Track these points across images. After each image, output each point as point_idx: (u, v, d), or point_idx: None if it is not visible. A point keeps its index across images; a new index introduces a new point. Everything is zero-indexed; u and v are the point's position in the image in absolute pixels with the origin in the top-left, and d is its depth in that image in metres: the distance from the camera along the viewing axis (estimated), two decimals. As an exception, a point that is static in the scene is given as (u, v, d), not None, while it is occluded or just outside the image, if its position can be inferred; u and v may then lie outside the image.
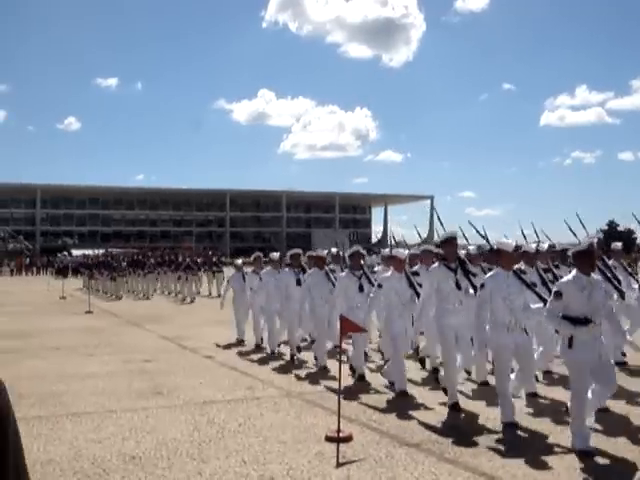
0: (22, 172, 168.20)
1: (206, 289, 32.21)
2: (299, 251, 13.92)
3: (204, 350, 13.98)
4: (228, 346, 14.67)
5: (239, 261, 16.88)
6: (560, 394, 9.07)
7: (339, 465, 6.54)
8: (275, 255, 14.36)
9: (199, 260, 33.83)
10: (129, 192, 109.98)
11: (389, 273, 10.24)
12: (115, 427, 7.99)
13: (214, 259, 35.80)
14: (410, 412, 8.67)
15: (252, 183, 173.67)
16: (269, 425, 8.05)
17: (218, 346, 14.60)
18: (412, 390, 9.81)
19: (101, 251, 46.77)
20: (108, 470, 6.49)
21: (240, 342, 15.05)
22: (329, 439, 7.28)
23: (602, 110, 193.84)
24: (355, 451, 6.98)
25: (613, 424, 7.86)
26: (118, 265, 34.12)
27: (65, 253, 68.03)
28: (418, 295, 9.76)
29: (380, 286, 10.06)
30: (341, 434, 7.22)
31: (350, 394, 9.55)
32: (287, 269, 13.48)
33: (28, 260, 75.22)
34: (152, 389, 10.20)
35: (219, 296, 28.83)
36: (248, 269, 16.02)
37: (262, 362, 12.56)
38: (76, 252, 65.87)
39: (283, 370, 11.75)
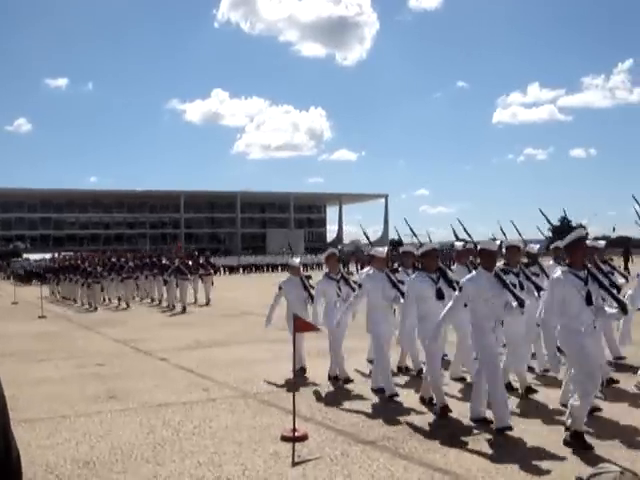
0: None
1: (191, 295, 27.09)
2: (435, 246, 9.22)
3: (159, 352, 13.88)
4: (183, 348, 14.58)
5: (297, 260, 12.44)
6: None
7: (295, 464, 6.56)
8: (382, 251, 9.97)
9: (190, 262, 27.28)
10: (82, 195, 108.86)
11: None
12: (69, 432, 7.91)
13: (201, 260, 29.31)
14: (365, 410, 8.72)
15: (206, 184, 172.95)
16: (224, 426, 8.04)
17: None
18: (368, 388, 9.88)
19: (67, 254, 42.36)
20: (61, 476, 6.42)
21: (303, 371, 11.14)
22: (285, 439, 7.29)
23: (554, 107, 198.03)
24: (311, 450, 7.00)
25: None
26: (93, 269, 28.04)
27: (28, 257, 66.31)
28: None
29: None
30: (296, 433, 7.23)
31: (305, 394, 9.58)
32: (421, 274, 8.90)
33: (-21, 265, 73.96)
34: (106, 393, 10.10)
35: (207, 304, 26.22)
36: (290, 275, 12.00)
37: (218, 364, 12.49)
38: (33, 256, 64.09)
39: (239, 371, 11.70)
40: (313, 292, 11.22)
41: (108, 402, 9.55)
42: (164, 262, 28.06)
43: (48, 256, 52.02)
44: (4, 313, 25.35)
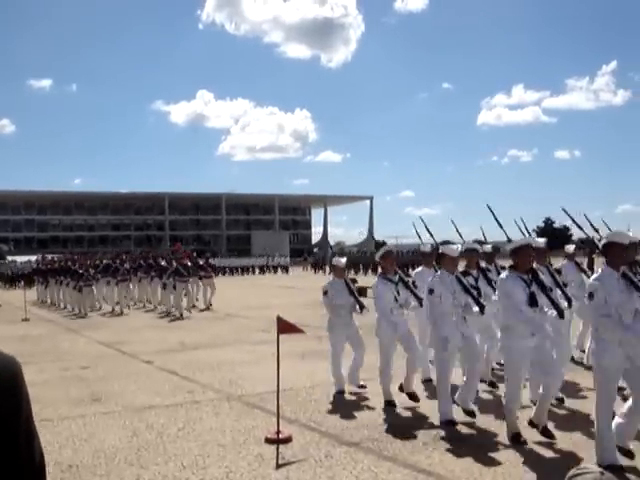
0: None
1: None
2: (529, 241, 7.64)
3: (143, 355, 13.83)
4: (168, 351, 14.54)
5: (343, 260, 10.71)
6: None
7: (279, 466, 6.56)
8: (454, 249, 8.61)
9: (189, 264, 25.52)
10: (66, 197, 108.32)
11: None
12: (52, 435, 7.87)
13: (201, 262, 27.78)
14: (349, 412, 8.73)
15: (191, 186, 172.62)
16: (209, 429, 8.03)
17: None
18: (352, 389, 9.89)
19: (58, 256, 40.61)
20: None
21: (341, 393, 9.85)
22: (269, 441, 7.30)
23: (538, 109, 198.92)
24: (295, 452, 7.00)
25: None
26: (85, 272, 26.03)
27: (14, 259, 65.44)
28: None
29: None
30: (280, 435, 7.25)
31: (289, 396, 9.56)
32: (512, 274, 7.22)
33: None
34: (90, 396, 10.07)
35: (207, 308, 24.84)
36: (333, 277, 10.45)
37: (202, 366, 12.46)
38: (20, 259, 63.28)
39: (223, 373, 11.68)
40: (360, 298, 10.03)
41: (92, 405, 9.52)
42: (163, 264, 26.47)
43: (34, 258, 51.38)
44: (-13, 316, 25.17)
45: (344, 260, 10.72)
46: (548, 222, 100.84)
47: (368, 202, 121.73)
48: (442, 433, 7.63)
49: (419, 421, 8.21)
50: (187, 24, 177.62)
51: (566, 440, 7.12)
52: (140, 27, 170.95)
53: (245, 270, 67.98)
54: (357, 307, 9.77)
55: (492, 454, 6.82)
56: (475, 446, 7.11)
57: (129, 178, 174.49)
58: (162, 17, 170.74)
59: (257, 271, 67.81)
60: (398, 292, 9.06)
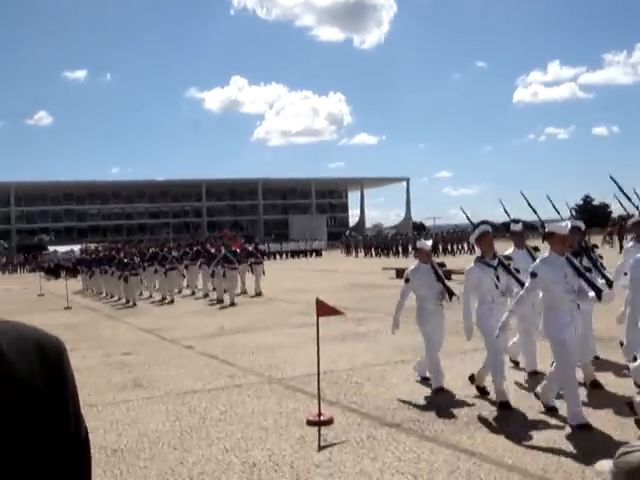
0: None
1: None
2: None
3: (184, 340, 13.94)
4: (208, 335, 14.62)
5: (429, 243, 9.57)
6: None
7: (321, 448, 6.58)
8: (563, 226, 7.36)
9: (239, 251, 25.00)
10: (104, 186, 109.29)
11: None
12: (96, 421, 7.96)
13: (251, 248, 27.18)
14: (390, 393, 8.70)
15: (227, 171, 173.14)
16: (250, 412, 8.07)
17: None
18: (394, 370, 9.86)
19: (95, 245, 40.12)
20: (90, 464, 6.45)
21: (440, 391, 8.62)
22: (310, 423, 7.33)
23: (575, 85, 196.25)
24: (336, 434, 7.01)
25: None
26: (130, 260, 25.48)
27: (56, 249, 66.00)
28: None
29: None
30: (322, 417, 7.27)
31: (330, 378, 9.57)
32: None
33: (4, 259, 74.55)
34: (132, 381, 10.18)
35: (258, 294, 24.01)
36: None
37: (243, 350, 12.51)
38: (61, 249, 63.83)
39: (264, 357, 11.71)
40: (448, 283, 9.09)
41: (135, 390, 9.62)
42: (212, 251, 25.89)
43: (77, 248, 51.49)
44: (30, 305, 25.53)
45: (430, 243, 9.59)
46: (587, 199, 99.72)
47: (405, 184, 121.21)
48: (484, 413, 7.59)
49: (461, 401, 8.17)
50: (218, 10, 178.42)
51: (610, 418, 7.03)
52: (172, 15, 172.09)
53: (279, 255, 68.22)
54: (447, 295, 8.78)
55: (534, 433, 6.77)
56: (518, 426, 7.06)
57: (165, 166, 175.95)
58: (194, 4, 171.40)
59: (291, 255, 68.14)
60: (498, 278, 8.01)
